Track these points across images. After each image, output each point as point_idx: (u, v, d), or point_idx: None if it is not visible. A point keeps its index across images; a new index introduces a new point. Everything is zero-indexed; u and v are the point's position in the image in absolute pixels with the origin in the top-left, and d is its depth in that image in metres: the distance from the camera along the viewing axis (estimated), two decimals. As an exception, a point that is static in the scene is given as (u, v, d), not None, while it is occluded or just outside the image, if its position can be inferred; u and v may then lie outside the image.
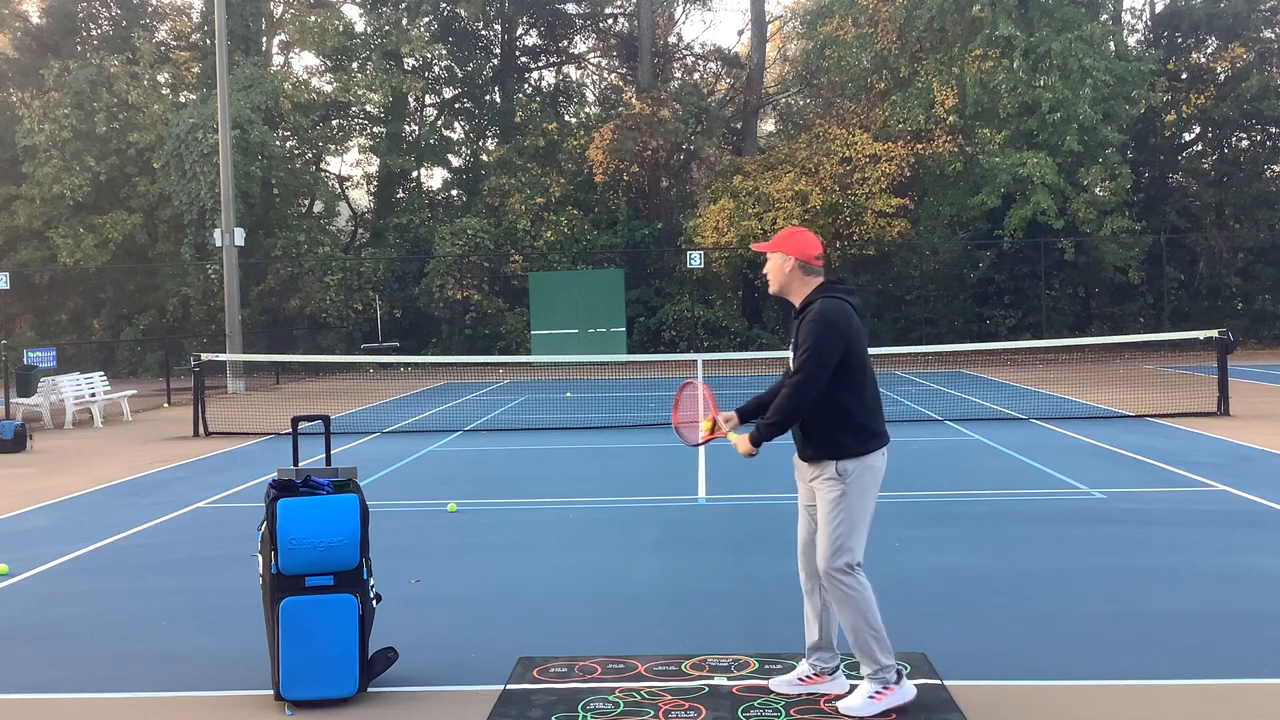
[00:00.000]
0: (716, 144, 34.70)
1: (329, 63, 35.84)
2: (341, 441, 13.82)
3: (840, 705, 4.47)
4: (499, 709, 4.56)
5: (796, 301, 4.60)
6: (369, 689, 4.81)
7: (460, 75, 37.80)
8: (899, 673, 4.47)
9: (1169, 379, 20.98)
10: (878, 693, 4.42)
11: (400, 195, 38.03)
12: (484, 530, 8.37)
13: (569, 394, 21.03)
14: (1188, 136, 35.29)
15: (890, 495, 7.77)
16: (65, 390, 17.53)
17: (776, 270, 4.60)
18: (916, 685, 4.61)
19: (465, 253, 31.41)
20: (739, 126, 36.58)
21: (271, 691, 4.74)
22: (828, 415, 4.44)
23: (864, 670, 4.47)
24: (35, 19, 35.32)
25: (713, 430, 4.67)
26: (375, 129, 36.72)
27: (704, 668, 5.01)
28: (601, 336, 29.13)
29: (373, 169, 39.20)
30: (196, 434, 15.22)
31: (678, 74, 38.50)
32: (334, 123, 36.46)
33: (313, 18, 34.49)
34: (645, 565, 7.14)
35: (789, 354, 4.64)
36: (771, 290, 4.70)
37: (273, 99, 31.37)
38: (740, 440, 4.59)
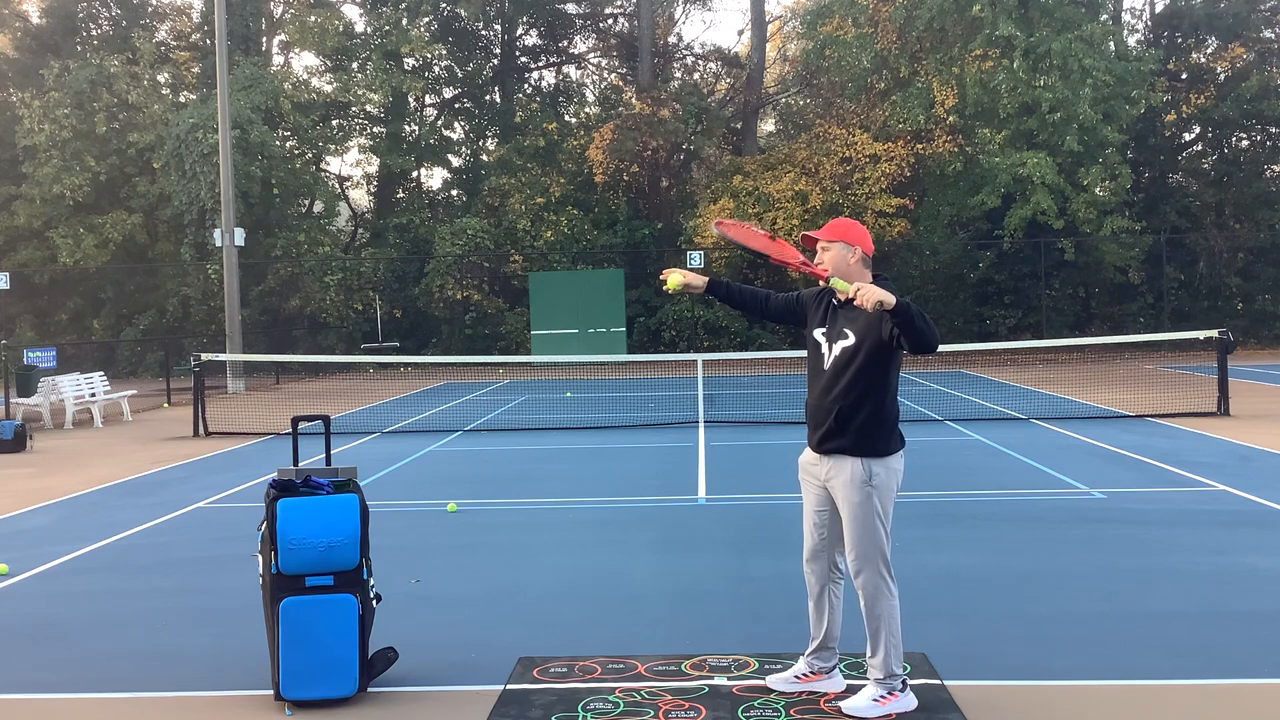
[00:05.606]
0: (716, 144, 34.66)
1: (329, 63, 35.83)
2: (341, 441, 13.81)
3: (844, 705, 4.47)
4: (499, 709, 4.57)
5: None
6: (369, 689, 4.81)
7: (460, 75, 37.78)
8: (904, 683, 4.49)
9: (1169, 379, 20.97)
10: (882, 697, 4.42)
11: (400, 195, 38.02)
12: (484, 530, 8.37)
13: (569, 394, 21.02)
14: (1188, 136, 35.26)
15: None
16: (65, 390, 17.52)
17: (839, 261, 4.46)
18: (916, 685, 4.62)
19: (465, 253, 31.39)
20: (739, 126, 36.56)
21: (271, 691, 4.74)
22: (870, 408, 4.40)
23: (873, 674, 4.47)
24: (35, 19, 35.30)
25: (772, 238, 4.61)
26: (375, 129, 36.73)
27: (704, 668, 5.01)
28: (601, 336, 29.10)
29: (373, 169, 39.19)
30: (196, 434, 15.22)
31: (678, 74, 38.48)
32: (334, 123, 36.45)
33: (313, 18, 34.49)
34: (645, 565, 7.13)
35: (820, 339, 4.53)
36: (827, 281, 4.50)
37: (273, 99, 31.35)
38: (874, 290, 4.10)
